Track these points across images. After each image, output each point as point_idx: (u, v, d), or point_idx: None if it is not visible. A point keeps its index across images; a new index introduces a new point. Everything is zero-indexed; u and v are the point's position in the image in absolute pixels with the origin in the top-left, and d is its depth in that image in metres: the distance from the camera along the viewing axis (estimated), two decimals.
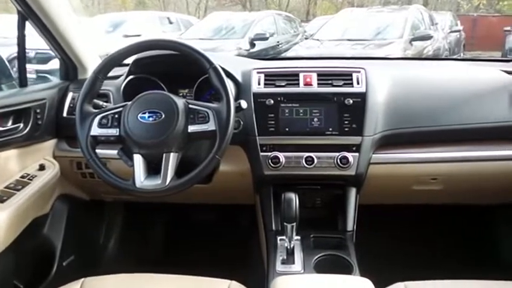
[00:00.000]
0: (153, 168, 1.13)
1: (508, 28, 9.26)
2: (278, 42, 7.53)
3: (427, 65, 1.70)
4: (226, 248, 1.78)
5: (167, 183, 1.09)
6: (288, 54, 6.38)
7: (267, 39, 6.85)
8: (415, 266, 1.40)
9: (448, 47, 7.72)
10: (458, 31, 9.04)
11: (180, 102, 1.13)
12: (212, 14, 8.99)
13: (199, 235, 1.91)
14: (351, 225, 1.33)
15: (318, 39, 6.18)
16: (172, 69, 1.31)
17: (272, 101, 1.32)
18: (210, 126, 1.11)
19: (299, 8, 19.33)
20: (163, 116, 1.11)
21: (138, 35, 6.59)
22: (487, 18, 13.97)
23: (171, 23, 8.84)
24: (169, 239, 1.99)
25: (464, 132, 1.34)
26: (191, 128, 1.11)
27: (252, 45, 6.79)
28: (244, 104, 1.20)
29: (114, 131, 1.14)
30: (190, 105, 1.14)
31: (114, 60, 1.18)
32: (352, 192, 1.36)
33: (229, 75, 1.32)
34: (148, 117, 1.11)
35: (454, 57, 7.42)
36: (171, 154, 1.10)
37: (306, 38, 7.09)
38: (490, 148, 1.35)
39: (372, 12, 7.36)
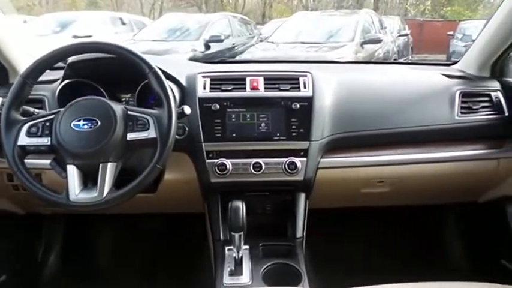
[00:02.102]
0: (92, 179, 1.06)
1: (451, 32, 9.80)
2: (234, 44, 7.50)
3: (372, 69, 1.73)
4: (176, 259, 1.72)
5: (104, 195, 1.02)
6: (244, 56, 6.36)
7: (222, 41, 6.80)
8: (366, 270, 1.42)
9: (397, 50, 8.04)
10: (407, 35, 9.44)
11: (117, 108, 1.06)
12: (166, 15, 8.79)
13: (149, 246, 1.83)
14: (300, 231, 1.32)
15: (272, 42, 6.22)
16: (112, 73, 1.24)
17: (218, 106, 1.28)
18: (151, 133, 1.05)
19: (255, 10, 19.45)
20: (99, 123, 1.04)
21: (89, 36, 6.34)
22: (432, 23, 14.73)
23: (123, 23, 8.57)
24: (115, 252, 1.89)
25: (409, 134, 1.36)
26: (130, 136, 1.05)
27: (207, 47, 6.72)
28: (187, 109, 1.15)
29: (45, 140, 1.05)
30: (129, 112, 1.07)
31: (45, 63, 1.09)
32: (301, 198, 1.35)
33: (173, 79, 1.27)
34: (83, 124, 1.04)
35: (401, 60, 7.73)
36: (109, 164, 1.03)
37: (261, 41, 7.11)
38: (433, 150, 1.38)
39: (324, 15, 7.51)
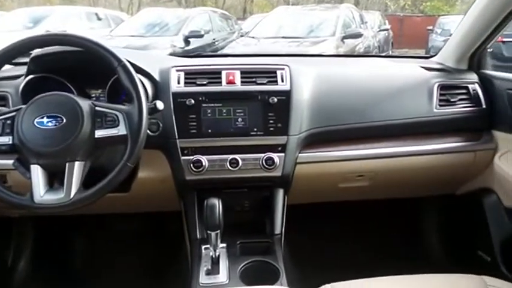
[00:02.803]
0: (59, 179, 1.00)
1: (430, 27, 9.93)
2: (214, 39, 7.42)
3: (351, 62, 1.71)
4: (153, 259, 1.67)
5: (71, 196, 0.97)
6: (225, 51, 6.31)
7: (202, 36, 6.71)
8: (346, 264, 1.40)
9: (378, 44, 8.12)
10: (387, 30, 9.54)
11: (85, 104, 1.01)
12: (144, 9, 8.64)
13: (124, 247, 1.77)
14: (278, 228, 1.29)
15: (253, 37, 6.18)
16: (80, 68, 1.18)
17: (193, 101, 1.24)
18: (121, 130, 1.00)
19: (236, 5, 19.34)
20: (64, 120, 0.99)
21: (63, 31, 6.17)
22: (412, 18, 14.92)
23: (99, 19, 8.36)
24: (89, 254, 1.82)
25: (388, 128, 1.35)
26: (98, 133, 1.00)
27: (187, 42, 6.63)
28: (160, 105, 1.10)
29: (6, 139, 0.99)
30: (97, 108, 1.02)
31: (3, 58, 1.02)
32: (280, 194, 1.32)
33: (145, 73, 1.22)
34: (47, 122, 0.99)
35: (382, 54, 7.79)
36: (76, 163, 0.98)
37: (242, 36, 7.06)
38: (412, 143, 1.37)
39: (305, 10, 7.51)
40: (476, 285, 1.00)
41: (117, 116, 1.01)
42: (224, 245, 1.19)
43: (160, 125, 1.22)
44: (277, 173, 1.25)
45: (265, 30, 6.32)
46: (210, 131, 1.24)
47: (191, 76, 1.28)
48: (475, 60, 1.47)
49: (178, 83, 1.27)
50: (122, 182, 1.02)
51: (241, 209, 1.38)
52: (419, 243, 1.80)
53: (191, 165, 1.22)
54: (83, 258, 1.81)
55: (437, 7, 17.23)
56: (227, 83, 1.28)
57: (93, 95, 1.31)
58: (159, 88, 1.26)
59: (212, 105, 1.25)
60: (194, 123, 1.23)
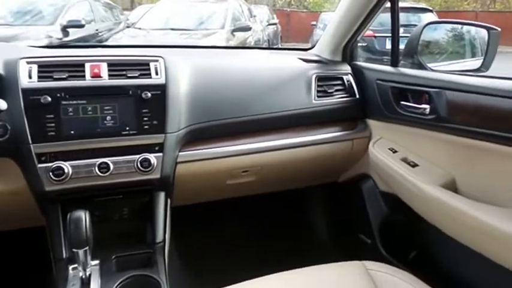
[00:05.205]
0: None
1: (314, 22, 10.54)
2: (97, 30, 6.85)
3: (231, 54, 1.66)
4: (15, 284, 1.43)
5: None
6: (109, 43, 5.87)
7: (82, 26, 6.12)
8: (237, 265, 1.36)
9: (267, 38, 8.35)
10: (275, 24, 9.86)
11: None
12: None
13: None
14: (160, 235, 1.18)
15: (140, 28, 5.86)
16: None
17: (50, 98, 1.06)
18: None
19: None
20: None
21: None
22: (298, 14, 15.72)
23: None
24: None
25: (269, 121, 1.33)
26: None
27: (66, 33, 6.00)
28: (2, 104, 0.91)
29: None
30: None
31: None
32: (161, 198, 1.21)
33: None
34: None
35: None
36: None
37: (128, 27, 6.64)
38: (293, 135, 1.38)
39: (194, 2, 7.33)
40: (356, 271, 1.02)
41: None
42: (97, 261, 1.05)
43: (8, 128, 1.02)
44: (156, 175, 1.14)
45: (153, 21, 6.02)
46: (72, 132, 1.07)
47: (46, 69, 1.10)
48: (347, 52, 1.53)
49: (30, 77, 1.07)
50: None
51: (119, 217, 1.24)
52: (308, 234, 1.84)
53: (51, 173, 1.04)
54: None
55: (319, 4, 18.43)
56: (92, 77, 1.12)
57: None
58: (5, 84, 1.05)
59: (74, 102, 1.08)
60: (52, 124, 1.06)
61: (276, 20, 10.23)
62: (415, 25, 1.40)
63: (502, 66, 1.62)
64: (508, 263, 0.98)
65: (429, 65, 1.35)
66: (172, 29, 5.67)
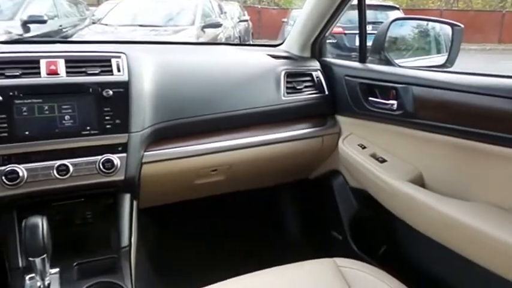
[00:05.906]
0: None
1: (285, 19, 10.57)
2: (61, 26, 6.61)
3: (199, 50, 1.62)
4: None
5: None
6: (74, 39, 5.66)
7: (45, 22, 5.88)
8: (208, 266, 1.33)
9: (239, 35, 8.30)
10: (246, 20, 9.81)
11: None
12: None
13: None
14: (126, 239, 1.14)
15: (106, 24, 5.68)
16: None
17: (1, 97, 0.99)
18: None
19: None
20: None
21: None
22: (269, 11, 15.72)
23: None
24: None
25: (238, 118, 1.30)
26: None
27: (26, 29, 5.74)
28: None
29: None
30: None
31: None
32: (126, 200, 1.16)
33: None
34: None
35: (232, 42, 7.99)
36: None
37: (94, 23, 6.44)
38: (263, 133, 1.35)
39: None
40: (328, 269, 1.01)
41: None
42: (57, 270, 1.00)
43: None
44: (119, 176, 1.09)
45: (120, 17, 5.86)
46: (27, 133, 1.01)
47: None
48: (316, 48, 1.52)
49: None
50: None
51: (82, 222, 1.18)
52: (280, 232, 1.83)
53: (3, 177, 0.98)
54: None
55: (289, 1, 18.52)
56: (48, 74, 1.06)
57: None
58: None
59: (29, 101, 1.02)
60: (4, 125, 0.99)
61: (247, 17, 10.18)
62: (382, 22, 1.40)
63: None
64: (472, 255, 0.99)
65: (396, 61, 1.36)
66: (141, 26, 5.54)
